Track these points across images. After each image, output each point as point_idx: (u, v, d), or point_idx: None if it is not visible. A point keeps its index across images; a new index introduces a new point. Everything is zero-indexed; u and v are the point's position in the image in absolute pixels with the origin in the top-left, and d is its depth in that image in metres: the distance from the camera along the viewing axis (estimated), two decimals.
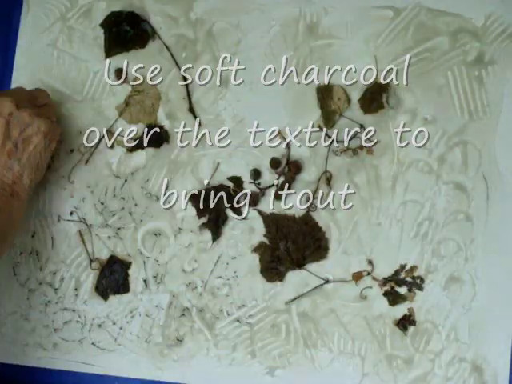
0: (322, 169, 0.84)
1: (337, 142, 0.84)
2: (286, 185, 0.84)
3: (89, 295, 0.87)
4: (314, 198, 0.84)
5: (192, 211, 0.86)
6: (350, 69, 0.84)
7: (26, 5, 0.90)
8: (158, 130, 0.86)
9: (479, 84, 0.83)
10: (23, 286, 0.88)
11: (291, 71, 0.85)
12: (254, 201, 0.85)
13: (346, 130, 0.84)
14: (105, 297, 0.86)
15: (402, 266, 0.83)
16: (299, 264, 0.84)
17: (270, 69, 0.86)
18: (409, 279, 0.82)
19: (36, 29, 0.90)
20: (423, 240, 0.83)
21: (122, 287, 0.86)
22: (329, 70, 0.85)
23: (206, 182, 0.86)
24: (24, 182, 0.79)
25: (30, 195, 0.82)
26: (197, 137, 0.86)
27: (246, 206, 0.85)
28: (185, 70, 0.87)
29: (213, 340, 0.85)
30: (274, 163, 0.85)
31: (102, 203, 0.87)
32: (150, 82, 0.87)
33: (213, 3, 0.87)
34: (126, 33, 0.88)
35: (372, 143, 0.83)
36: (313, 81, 0.85)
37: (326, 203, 0.84)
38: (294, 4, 0.86)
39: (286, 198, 0.84)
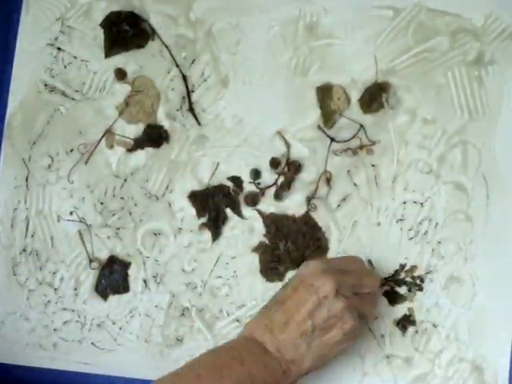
0: (322, 169, 0.84)
1: (336, 141, 0.84)
2: (286, 185, 0.84)
3: (88, 295, 0.87)
4: (313, 197, 0.84)
5: (192, 211, 0.86)
6: (350, 69, 0.84)
7: (26, 5, 0.90)
8: (157, 130, 0.87)
9: (479, 84, 0.83)
10: (23, 286, 0.88)
11: (291, 71, 0.85)
12: (254, 201, 0.85)
13: (346, 129, 0.84)
14: (104, 297, 0.86)
15: (402, 266, 0.83)
16: (299, 264, 0.83)
17: (269, 69, 0.86)
18: (409, 279, 0.82)
19: (36, 29, 0.90)
20: (423, 240, 0.83)
21: (122, 287, 0.86)
22: (328, 69, 0.85)
23: (205, 181, 0.86)
24: (302, 366, 0.72)
25: (297, 380, 0.74)
26: (196, 137, 0.86)
27: (245, 206, 0.85)
28: (184, 70, 0.87)
29: (213, 340, 0.85)
30: (274, 163, 0.85)
31: (101, 203, 0.87)
32: (150, 82, 0.87)
33: (212, 3, 0.87)
34: (125, 33, 0.88)
35: (372, 143, 0.83)
36: (312, 81, 0.85)
37: (325, 203, 0.84)
38: (294, 4, 0.86)
39: (285, 197, 0.84)
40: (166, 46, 0.87)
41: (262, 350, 0.72)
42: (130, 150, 0.87)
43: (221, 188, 0.85)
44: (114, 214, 0.87)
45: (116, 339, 0.86)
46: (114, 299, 0.87)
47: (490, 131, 0.82)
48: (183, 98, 0.87)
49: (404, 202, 0.83)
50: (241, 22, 0.87)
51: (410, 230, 0.83)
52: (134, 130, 0.87)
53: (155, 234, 0.86)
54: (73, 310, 0.87)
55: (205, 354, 0.73)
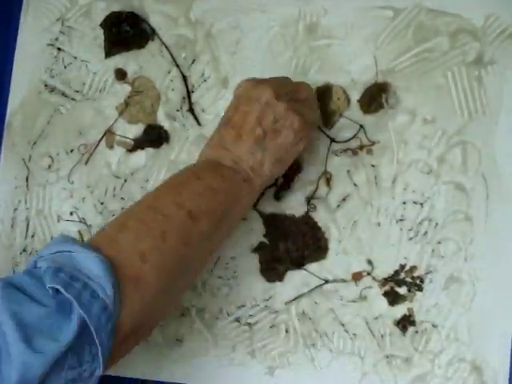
0: (322, 169, 0.84)
1: (336, 142, 0.84)
2: (286, 185, 0.84)
3: None
4: (313, 198, 0.84)
5: None
6: (350, 69, 0.84)
7: (26, 5, 0.90)
8: (157, 130, 0.87)
9: (479, 84, 0.83)
10: None
11: (291, 71, 0.85)
12: None
13: (346, 130, 0.84)
14: None
15: (402, 266, 0.83)
16: (299, 264, 0.84)
17: (269, 69, 0.86)
18: (408, 279, 0.82)
19: (36, 29, 0.90)
20: (423, 240, 0.82)
21: None
22: (328, 70, 0.85)
23: None
24: (263, 171, 0.75)
25: (262, 188, 0.77)
26: (197, 137, 0.86)
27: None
28: (184, 70, 0.87)
29: (212, 340, 0.85)
30: None
31: (101, 203, 0.87)
32: (150, 83, 0.87)
33: (212, 3, 0.87)
34: (125, 33, 0.88)
35: (371, 143, 0.83)
36: (312, 81, 0.85)
37: (325, 203, 0.84)
38: (294, 4, 0.86)
39: (285, 198, 0.84)
40: (166, 47, 0.87)
41: (218, 165, 0.74)
42: (130, 150, 0.87)
43: None
44: (114, 215, 0.87)
45: None
46: None
47: (490, 131, 0.82)
48: (183, 98, 0.87)
49: (404, 202, 0.83)
50: (241, 22, 0.87)
51: (409, 230, 0.83)
52: (134, 131, 0.87)
53: None
54: None
55: (165, 180, 0.75)
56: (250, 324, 0.85)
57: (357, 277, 0.83)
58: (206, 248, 0.73)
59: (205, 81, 0.87)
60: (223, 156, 0.74)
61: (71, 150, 0.88)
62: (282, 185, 0.84)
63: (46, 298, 0.61)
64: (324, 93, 0.84)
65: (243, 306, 0.85)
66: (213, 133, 0.77)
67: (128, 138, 0.87)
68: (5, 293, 0.60)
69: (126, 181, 0.87)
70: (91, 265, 0.63)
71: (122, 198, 0.87)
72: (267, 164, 0.74)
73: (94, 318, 0.60)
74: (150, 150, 0.87)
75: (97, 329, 0.60)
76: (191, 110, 0.87)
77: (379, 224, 0.83)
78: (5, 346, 0.57)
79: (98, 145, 0.87)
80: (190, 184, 0.72)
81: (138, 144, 0.87)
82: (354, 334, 0.83)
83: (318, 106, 0.81)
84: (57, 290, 0.61)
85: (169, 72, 0.87)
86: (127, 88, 0.88)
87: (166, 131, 0.87)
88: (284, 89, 0.76)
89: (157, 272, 0.66)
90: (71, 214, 0.88)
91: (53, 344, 0.58)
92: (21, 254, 0.88)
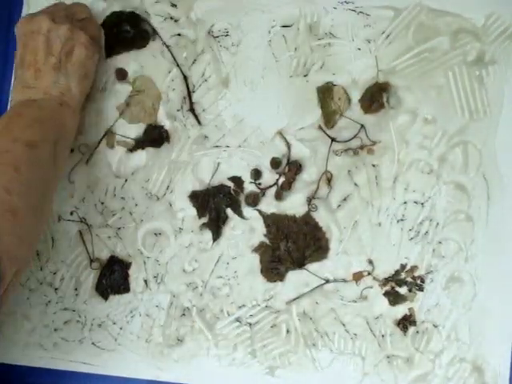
0: (323, 169, 0.84)
1: (337, 141, 0.84)
2: (287, 185, 0.84)
3: (89, 295, 0.87)
4: (314, 197, 0.84)
5: (192, 211, 0.86)
6: (351, 69, 0.84)
7: (26, 5, 0.90)
8: (158, 130, 0.87)
9: (479, 84, 0.83)
10: (23, 286, 0.88)
11: (291, 71, 0.85)
12: (255, 201, 0.85)
13: (347, 129, 0.84)
14: (105, 297, 0.86)
15: (403, 266, 0.83)
16: (299, 264, 0.84)
17: (270, 69, 0.86)
18: (409, 279, 0.82)
19: None
20: (423, 240, 0.83)
21: (122, 287, 0.86)
22: (329, 70, 0.85)
23: (206, 182, 0.86)
24: (72, 93, 0.80)
25: (83, 105, 0.82)
26: (197, 137, 0.86)
27: (246, 206, 0.85)
28: (185, 70, 0.87)
29: (213, 340, 0.85)
30: (275, 163, 0.85)
31: (102, 203, 0.87)
32: (151, 82, 0.87)
33: (213, 4, 0.87)
34: (126, 33, 0.88)
35: (372, 143, 0.83)
36: (313, 81, 0.85)
37: (326, 203, 0.84)
38: (294, 4, 0.86)
39: (286, 198, 0.84)
40: (167, 46, 0.87)
41: (31, 102, 0.78)
42: (131, 149, 0.87)
43: (221, 188, 0.85)
44: (114, 214, 0.87)
45: (116, 339, 0.86)
46: (114, 299, 0.87)
47: (491, 131, 0.82)
48: (184, 98, 0.87)
49: (405, 202, 0.83)
50: (241, 22, 0.87)
51: (410, 230, 0.83)
52: (135, 130, 0.87)
53: (156, 234, 0.86)
54: (73, 310, 0.87)
55: None
56: (250, 324, 0.85)
57: (357, 277, 0.83)
58: (53, 171, 0.77)
59: (205, 81, 0.87)
60: (32, 94, 0.78)
61: (72, 150, 0.88)
62: (283, 185, 0.84)
63: None
64: (325, 93, 0.85)
65: (244, 305, 0.85)
66: (13, 76, 0.82)
67: (129, 137, 0.87)
68: None
69: (126, 180, 0.87)
70: None
71: (122, 198, 0.87)
72: (74, 85, 0.80)
73: None
74: (150, 150, 0.87)
75: None
76: (192, 110, 0.87)
77: (380, 224, 0.83)
78: None
79: (98, 144, 0.87)
80: (15, 122, 0.76)
81: (139, 144, 0.87)
82: (355, 334, 0.83)
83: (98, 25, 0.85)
84: None
85: (169, 72, 0.87)
86: (128, 88, 0.88)
87: (166, 131, 0.87)
88: (60, 13, 0.80)
89: (23, 199, 0.71)
90: (71, 213, 0.88)
91: None
92: None
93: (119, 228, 0.87)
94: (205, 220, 0.85)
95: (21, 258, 0.71)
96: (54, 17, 0.79)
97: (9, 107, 0.83)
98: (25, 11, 0.90)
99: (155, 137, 0.87)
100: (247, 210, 0.85)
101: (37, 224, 0.74)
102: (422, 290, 0.82)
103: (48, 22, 0.79)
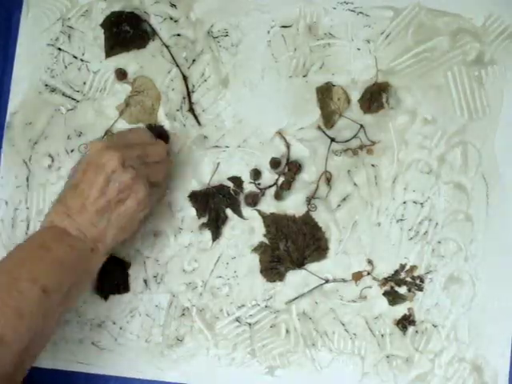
0: (322, 169, 0.84)
1: (337, 142, 0.84)
2: (286, 185, 0.84)
3: (89, 295, 0.87)
4: (313, 197, 0.84)
5: (192, 211, 0.86)
6: (350, 69, 0.84)
7: (26, 5, 0.90)
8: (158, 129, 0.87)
9: (479, 84, 0.83)
10: None
11: (291, 71, 0.85)
12: (254, 201, 0.85)
13: (346, 130, 0.84)
14: (105, 297, 0.86)
15: (402, 266, 0.83)
16: (299, 264, 0.84)
17: (269, 69, 0.86)
18: (409, 279, 0.82)
19: (36, 29, 0.90)
20: (423, 240, 0.83)
21: (122, 287, 0.86)
22: (329, 70, 0.85)
23: (206, 182, 0.86)
24: (107, 241, 0.77)
25: (107, 255, 0.79)
26: (197, 137, 0.86)
27: (246, 206, 0.85)
28: (185, 70, 0.87)
29: (213, 340, 0.85)
30: (274, 163, 0.85)
31: None
32: (150, 83, 0.87)
33: (213, 4, 0.87)
34: (126, 33, 0.88)
35: (372, 143, 0.83)
36: (313, 81, 0.85)
37: (325, 203, 0.84)
38: (294, 4, 0.86)
39: (285, 197, 0.85)
40: (167, 47, 0.87)
41: (65, 234, 0.75)
42: None
43: (221, 188, 0.85)
44: None
45: (116, 339, 0.86)
46: (114, 299, 0.87)
47: (490, 131, 0.82)
48: (183, 98, 0.87)
49: (404, 202, 0.83)
50: (241, 23, 0.87)
51: (410, 230, 0.83)
52: None
53: (155, 234, 0.86)
54: (73, 310, 0.87)
55: (11, 252, 0.75)
56: (250, 324, 0.85)
57: (357, 276, 0.83)
58: (58, 312, 0.74)
59: (205, 81, 0.87)
60: (69, 225, 0.75)
61: (71, 150, 0.88)
62: (282, 185, 0.84)
63: None
64: (324, 93, 0.85)
65: (243, 305, 0.85)
66: (60, 195, 0.78)
67: None
68: None
69: None
70: None
71: None
72: (110, 234, 0.77)
73: None
74: None
75: None
76: (191, 110, 0.87)
77: (379, 224, 0.83)
78: None
79: None
80: (41, 257, 0.73)
81: None
82: (355, 334, 0.83)
83: (169, 169, 0.83)
84: None
85: (169, 72, 0.87)
86: (127, 88, 0.88)
87: (166, 131, 0.87)
88: (134, 153, 0.77)
89: (14, 351, 0.69)
90: None
91: None
92: None
93: None
94: (204, 220, 0.86)
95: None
96: (125, 158, 0.75)
97: (44, 221, 0.77)
98: (24, 11, 0.90)
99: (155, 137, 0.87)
100: (247, 210, 0.85)
101: (32, 347, 0.72)
102: (422, 290, 0.82)
103: (117, 163, 0.75)
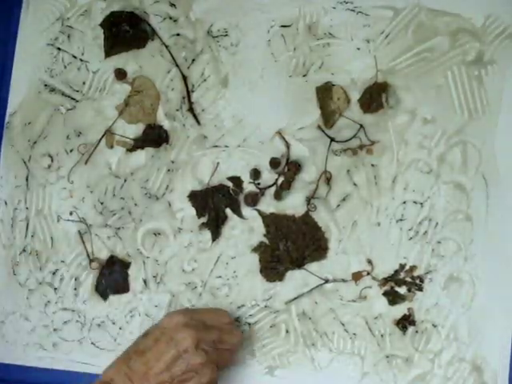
0: (322, 169, 0.84)
1: (336, 141, 0.84)
2: (286, 185, 0.84)
3: (88, 295, 0.87)
4: (313, 197, 0.84)
5: (192, 211, 0.86)
6: (350, 69, 0.84)
7: (26, 5, 0.90)
8: (157, 130, 0.87)
9: (479, 84, 0.83)
10: (23, 286, 0.88)
11: (291, 71, 0.85)
12: (254, 201, 0.85)
13: (346, 129, 0.84)
14: (104, 297, 0.87)
15: (402, 266, 0.83)
16: (299, 264, 0.84)
17: (269, 69, 0.86)
18: (408, 279, 0.82)
19: (36, 29, 0.90)
20: (423, 240, 0.83)
21: (122, 287, 0.86)
22: (328, 69, 0.85)
23: (205, 181, 0.86)
24: None
25: None
26: (196, 137, 0.86)
27: (245, 206, 0.85)
28: (184, 70, 0.87)
29: None
30: (274, 163, 0.85)
31: (101, 203, 0.87)
32: (150, 82, 0.87)
33: (212, 3, 0.87)
34: (125, 33, 0.88)
35: (371, 143, 0.83)
36: (312, 81, 0.85)
37: (325, 203, 0.84)
38: (294, 4, 0.86)
39: (285, 197, 0.84)
40: (166, 46, 0.87)
41: None
42: (130, 150, 0.87)
43: (221, 188, 0.85)
44: (114, 214, 0.87)
45: (116, 339, 0.86)
46: (114, 299, 0.87)
47: (490, 131, 0.82)
48: (183, 97, 0.87)
49: (404, 202, 0.83)
50: (240, 22, 0.87)
51: (409, 229, 0.83)
52: (134, 130, 0.87)
53: (155, 234, 0.86)
54: (73, 310, 0.87)
55: None
56: (249, 324, 0.85)
57: (357, 276, 0.83)
58: None
59: (204, 80, 0.87)
60: None
61: (71, 150, 0.88)
62: (282, 185, 0.84)
63: None
64: (324, 92, 0.84)
65: (243, 305, 0.85)
66: (124, 353, 0.77)
67: (128, 137, 0.87)
68: None
69: (125, 180, 0.87)
70: None
71: (121, 198, 0.87)
72: None
73: None
74: (149, 150, 0.87)
75: None
76: (191, 110, 0.87)
77: (379, 224, 0.83)
78: None
79: (97, 144, 0.87)
80: None
81: (138, 144, 0.87)
82: (354, 334, 0.83)
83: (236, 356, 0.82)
84: None
85: (168, 72, 0.87)
86: (127, 88, 0.88)
87: (165, 131, 0.87)
88: (209, 337, 0.76)
89: None
90: (71, 213, 0.88)
91: None
92: (21, 253, 0.88)
93: (119, 228, 0.87)
94: (204, 220, 0.86)
95: None
96: (200, 340, 0.75)
97: (102, 378, 0.76)
98: (24, 11, 0.90)
99: (154, 137, 0.87)
100: (246, 210, 0.85)
101: None
102: (422, 290, 0.82)
103: (190, 343, 0.74)
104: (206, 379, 0.75)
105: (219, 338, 0.77)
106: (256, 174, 0.85)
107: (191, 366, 0.74)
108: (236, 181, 0.85)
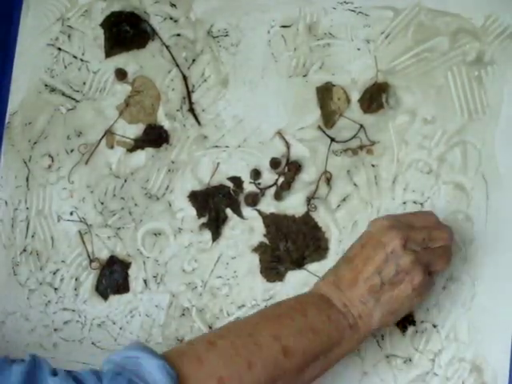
0: (322, 169, 0.84)
1: (336, 142, 0.84)
2: (286, 185, 0.84)
3: (89, 295, 0.87)
4: (313, 198, 0.84)
5: (192, 211, 0.86)
6: (350, 69, 0.84)
7: (26, 5, 0.90)
8: (158, 130, 0.87)
9: (479, 84, 0.83)
10: (23, 286, 0.88)
11: (291, 71, 0.85)
12: (254, 201, 0.85)
13: (346, 130, 0.84)
14: (105, 297, 0.87)
15: None
16: (299, 264, 0.84)
17: (269, 69, 0.86)
18: None
19: (36, 29, 0.90)
20: None
21: (122, 287, 0.87)
22: (328, 70, 0.85)
23: (205, 182, 0.86)
24: (370, 321, 0.72)
25: (367, 337, 0.74)
26: (197, 137, 0.86)
27: (246, 206, 0.85)
28: (185, 70, 0.87)
29: None
30: (274, 163, 0.85)
31: (101, 203, 0.87)
32: (150, 83, 0.87)
33: (213, 3, 0.87)
34: (125, 33, 0.88)
35: (372, 143, 0.83)
36: (313, 81, 0.85)
37: (325, 203, 0.84)
38: (294, 4, 0.86)
39: (285, 198, 0.84)
40: (167, 47, 0.87)
41: (327, 304, 0.72)
42: (130, 150, 0.87)
43: (221, 188, 0.85)
44: (114, 214, 0.87)
45: (116, 339, 0.86)
46: (114, 299, 0.87)
47: (490, 131, 0.82)
48: (183, 98, 0.87)
49: (404, 202, 0.83)
50: (241, 23, 0.87)
51: None
52: (135, 131, 0.87)
53: (155, 234, 0.86)
54: (73, 310, 0.87)
55: (268, 306, 0.74)
56: None
57: None
58: (291, 379, 0.69)
59: (205, 81, 0.87)
60: (335, 295, 0.72)
61: (71, 150, 0.88)
62: (282, 185, 0.84)
63: None
64: (324, 93, 0.85)
65: (243, 305, 0.85)
66: (334, 265, 0.75)
67: (128, 137, 0.87)
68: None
69: (126, 181, 0.87)
70: (155, 373, 0.62)
71: (122, 198, 0.87)
72: (377, 315, 0.72)
73: None
74: (150, 150, 0.87)
75: None
76: (191, 110, 0.87)
77: None
78: None
79: (98, 145, 0.87)
80: (294, 318, 0.70)
81: (138, 144, 0.87)
82: None
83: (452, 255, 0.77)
84: None
85: (169, 72, 0.87)
86: (127, 88, 0.88)
87: (166, 131, 0.87)
88: (417, 235, 0.72)
89: None
90: (71, 213, 0.88)
91: None
92: (21, 253, 0.88)
93: (119, 228, 0.87)
94: (204, 220, 0.86)
95: None
96: (408, 240, 0.71)
97: (311, 289, 0.75)
98: (24, 11, 0.90)
99: (155, 137, 0.87)
100: (247, 210, 0.85)
101: None
102: None
103: (398, 244, 0.71)
104: (418, 281, 0.71)
105: (429, 236, 0.73)
106: (256, 174, 0.85)
107: (401, 267, 0.71)
108: (236, 181, 0.85)
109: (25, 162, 0.89)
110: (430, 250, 0.73)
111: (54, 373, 0.63)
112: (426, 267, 0.73)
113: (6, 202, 0.89)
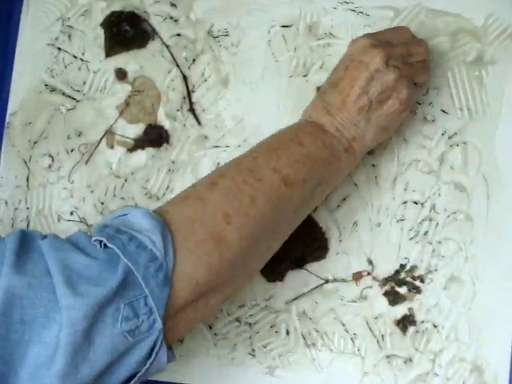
0: None
1: None
2: None
3: None
4: None
5: None
6: None
7: (26, 5, 0.90)
8: (158, 130, 0.87)
9: (479, 84, 0.83)
10: None
11: (291, 71, 0.85)
12: None
13: None
14: None
15: (402, 266, 0.83)
16: (299, 264, 0.84)
17: (270, 69, 0.86)
18: (409, 279, 0.82)
19: (36, 28, 0.90)
20: (423, 240, 0.83)
21: None
22: (329, 69, 0.85)
23: None
24: (364, 142, 0.74)
25: (361, 157, 0.77)
26: (197, 137, 0.86)
27: None
28: (185, 70, 0.87)
29: (212, 339, 0.85)
30: None
31: (102, 203, 0.87)
32: (150, 82, 0.87)
33: (213, 3, 0.87)
34: (126, 33, 0.88)
35: None
36: (313, 81, 0.85)
37: (325, 203, 0.84)
38: (295, 4, 0.86)
39: None
40: (167, 46, 0.87)
41: (321, 130, 0.73)
42: (131, 150, 0.87)
43: None
44: None
45: None
46: None
47: (491, 131, 0.82)
48: (184, 98, 0.87)
49: (404, 202, 0.83)
50: (241, 22, 0.87)
51: (410, 230, 0.83)
52: (135, 130, 0.87)
53: None
54: None
55: (263, 140, 0.75)
56: (250, 324, 0.85)
57: (357, 276, 0.83)
58: (294, 215, 0.73)
59: (205, 81, 0.87)
60: (326, 121, 0.74)
61: (71, 150, 0.88)
62: None
63: (94, 251, 0.63)
64: None
65: (243, 305, 0.85)
66: (320, 91, 0.77)
67: (128, 137, 0.87)
68: (53, 242, 0.63)
69: (126, 180, 0.87)
70: (142, 220, 0.65)
71: (122, 198, 0.87)
72: (369, 134, 0.74)
73: (141, 266, 0.61)
74: (150, 150, 0.87)
75: (144, 277, 0.61)
76: (192, 110, 0.87)
77: (379, 224, 0.83)
78: (51, 289, 0.58)
79: (98, 144, 0.87)
80: (291, 149, 0.71)
81: (139, 144, 0.87)
82: (355, 334, 0.83)
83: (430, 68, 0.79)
84: (105, 245, 0.63)
85: (169, 72, 0.87)
86: (127, 88, 0.88)
87: (166, 131, 0.87)
88: (397, 52, 0.74)
89: (239, 234, 0.66)
90: (71, 213, 0.88)
91: (95, 288, 0.59)
92: None
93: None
94: None
95: (203, 284, 0.65)
96: (390, 57, 0.73)
97: (301, 119, 0.77)
98: (24, 11, 0.90)
99: (155, 137, 0.87)
100: None
101: (242, 266, 0.69)
102: (422, 290, 0.82)
103: (380, 62, 0.72)
104: (404, 94, 0.74)
105: (407, 51, 0.75)
106: None
107: (386, 83, 0.73)
108: None
109: (25, 162, 0.89)
110: (410, 65, 0.75)
111: (44, 236, 0.65)
112: (410, 81, 0.75)
113: (6, 202, 0.88)
